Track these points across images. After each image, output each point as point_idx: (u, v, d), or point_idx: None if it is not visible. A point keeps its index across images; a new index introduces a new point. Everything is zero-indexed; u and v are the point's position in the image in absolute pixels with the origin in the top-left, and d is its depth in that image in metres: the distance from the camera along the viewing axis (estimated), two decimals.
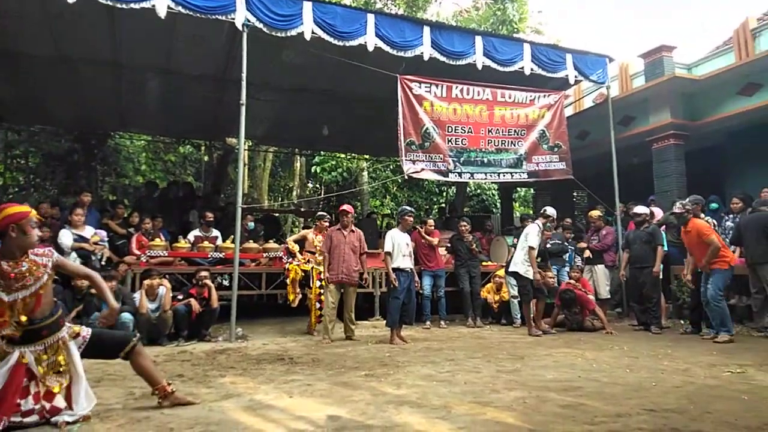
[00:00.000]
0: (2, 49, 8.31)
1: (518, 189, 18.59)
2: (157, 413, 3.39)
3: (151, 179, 14.86)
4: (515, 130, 9.30)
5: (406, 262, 6.94)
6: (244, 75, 7.12)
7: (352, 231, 7.21)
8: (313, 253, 7.80)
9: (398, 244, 6.96)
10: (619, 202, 9.54)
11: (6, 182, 13.36)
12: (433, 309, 8.39)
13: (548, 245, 8.46)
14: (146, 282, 6.72)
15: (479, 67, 8.52)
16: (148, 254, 7.64)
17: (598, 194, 9.94)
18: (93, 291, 6.40)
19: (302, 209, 15.66)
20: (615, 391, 4.01)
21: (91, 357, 3.42)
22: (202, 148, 16.76)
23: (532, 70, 8.89)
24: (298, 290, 7.59)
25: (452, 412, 3.45)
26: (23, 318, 3.13)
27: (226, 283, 8.07)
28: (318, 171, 17.85)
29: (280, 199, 21.17)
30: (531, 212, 14.94)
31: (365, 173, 18.47)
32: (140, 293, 6.65)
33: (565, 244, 8.99)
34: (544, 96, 9.58)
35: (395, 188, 19.11)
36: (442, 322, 8.21)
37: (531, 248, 7.35)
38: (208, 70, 9.24)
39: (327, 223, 8.01)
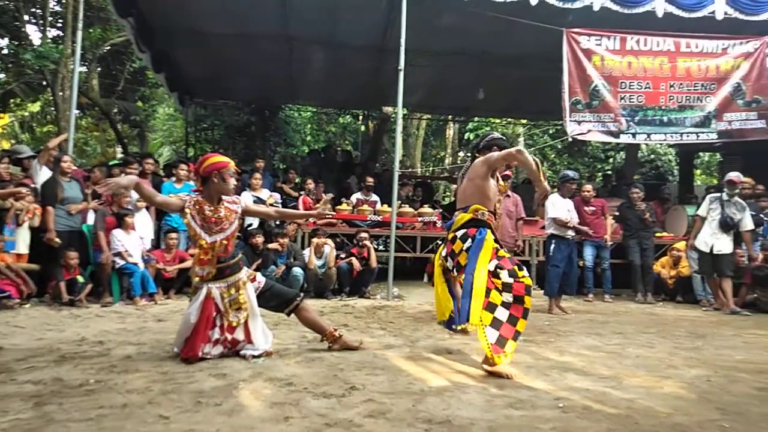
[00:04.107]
0: (191, 29, 9.26)
1: (701, 154, 16.39)
2: (327, 355, 3.67)
3: (314, 148, 15.91)
4: (703, 84, 8.12)
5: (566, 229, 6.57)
6: (402, 40, 7.16)
7: (508, 196, 7.01)
8: None
9: (558, 210, 6.60)
10: None
11: (196, 152, 15.19)
12: (596, 282, 7.86)
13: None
14: (314, 240, 7.27)
15: (659, 14, 7.53)
16: None
17: None
18: (269, 247, 7.11)
19: (454, 176, 15.57)
20: None
21: (261, 306, 3.71)
22: (360, 117, 17.44)
23: (725, 13, 7.64)
24: None
25: (623, 383, 3.21)
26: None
27: (381, 248, 8.39)
28: (471, 138, 17.56)
29: (432, 167, 21.32)
30: (715, 182, 13.13)
31: (521, 139, 17.76)
32: (309, 251, 7.21)
33: (761, 215, 7.75)
34: (741, 43, 8.19)
35: (554, 154, 18.09)
36: (606, 296, 7.66)
37: (695, 216, 6.80)
38: (368, 39, 9.44)
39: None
